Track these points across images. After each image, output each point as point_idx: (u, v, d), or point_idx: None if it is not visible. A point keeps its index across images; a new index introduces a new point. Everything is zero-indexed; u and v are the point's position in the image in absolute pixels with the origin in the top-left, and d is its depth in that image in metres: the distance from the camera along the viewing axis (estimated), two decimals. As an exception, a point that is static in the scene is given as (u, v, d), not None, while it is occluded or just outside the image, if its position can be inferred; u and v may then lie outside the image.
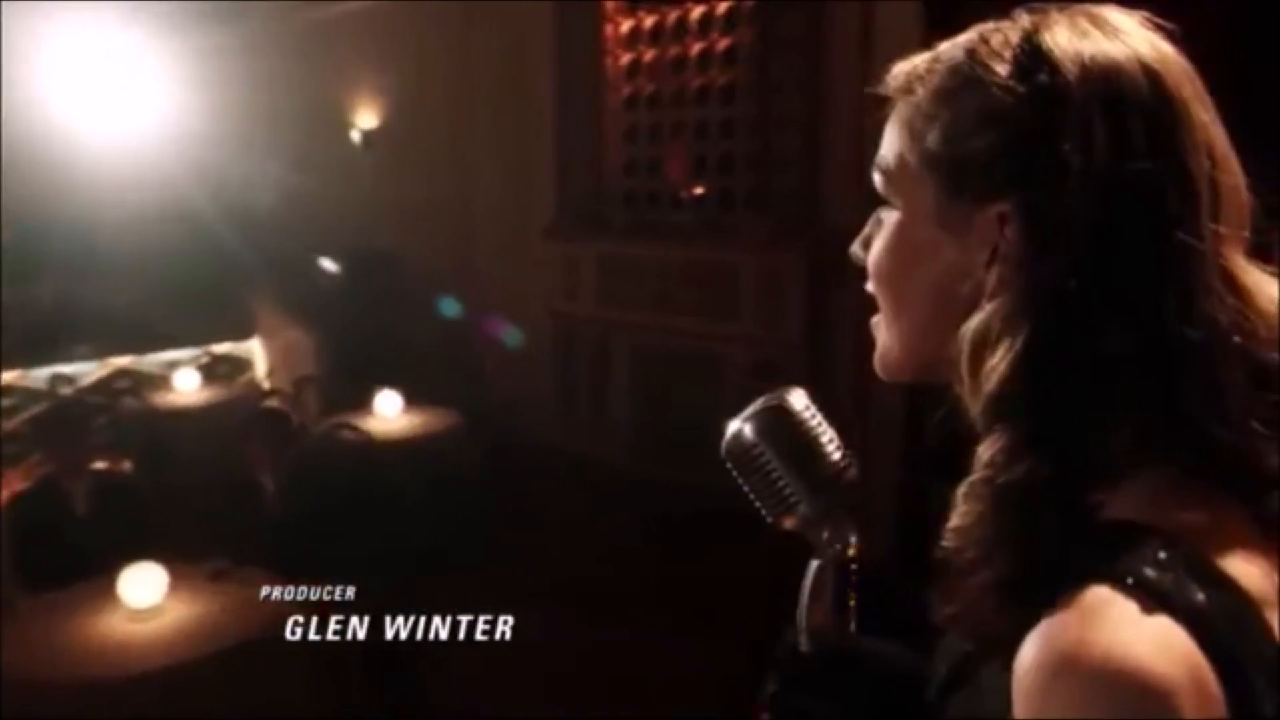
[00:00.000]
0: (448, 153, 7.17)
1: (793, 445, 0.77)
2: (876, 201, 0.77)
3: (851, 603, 0.79)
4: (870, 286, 0.77)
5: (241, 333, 6.84)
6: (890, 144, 0.73)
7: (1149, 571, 0.55)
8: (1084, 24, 0.66)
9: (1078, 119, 0.62)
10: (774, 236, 5.35)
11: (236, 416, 4.72)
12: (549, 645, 3.84)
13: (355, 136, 7.93)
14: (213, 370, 6.46)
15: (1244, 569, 0.58)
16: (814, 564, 0.78)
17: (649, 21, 6.15)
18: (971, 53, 0.68)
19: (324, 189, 7.75)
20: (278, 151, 7.59)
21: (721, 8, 5.73)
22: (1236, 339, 0.62)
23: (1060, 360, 0.61)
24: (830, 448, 0.78)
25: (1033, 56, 0.65)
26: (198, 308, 6.27)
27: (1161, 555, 0.56)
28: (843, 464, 0.78)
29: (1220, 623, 0.54)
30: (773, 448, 0.77)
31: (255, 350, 6.90)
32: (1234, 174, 0.66)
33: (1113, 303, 0.61)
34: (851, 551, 0.78)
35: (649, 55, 6.18)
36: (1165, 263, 0.62)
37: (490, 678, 3.71)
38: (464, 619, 3.90)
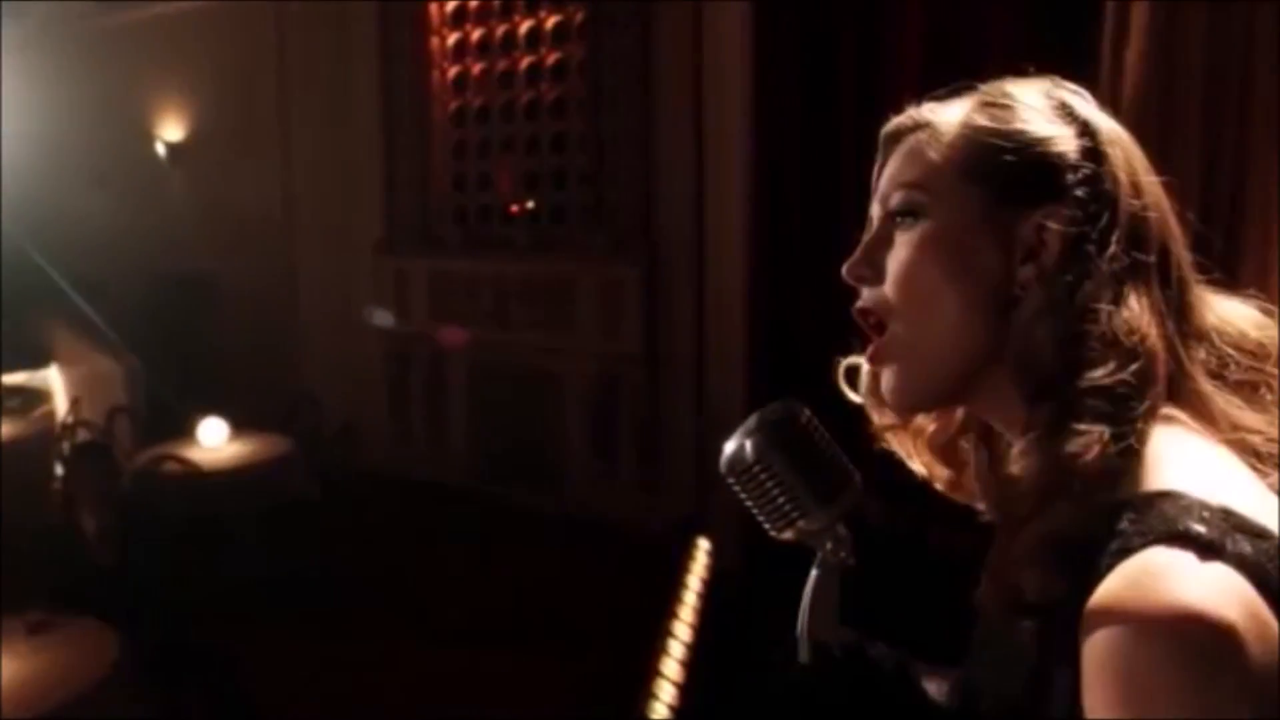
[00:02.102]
0: (264, 167, 6.86)
1: (794, 460, 0.78)
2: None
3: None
4: (892, 302, 0.79)
5: (36, 361, 6.30)
6: (916, 164, 0.80)
7: (1196, 528, 0.61)
8: (1084, 98, 0.80)
9: (1104, 147, 0.76)
10: (609, 249, 5.39)
11: (34, 451, 4.36)
12: (390, 673, 3.73)
13: (160, 149, 7.49)
14: (3, 404, 5.91)
15: (1270, 516, 0.64)
16: (814, 574, 0.79)
17: (476, 34, 6.08)
18: (1000, 89, 0.80)
19: (126, 205, 7.28)
20: (72, 165, 7.08)
21: (550, 22, 5.73)
22: (1229, 330, 0.76)
23: (1099, 335, 0.71)
24: (832, 461, 0.79)
25: (1064, 107, 0.78)
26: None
27: (1205, 514, 0.62)
28: (844, 476, 0.79)
29: (1267, 564, 0.60)
30: (776, 463, 0.78)
31: (53, 380, 6.37)
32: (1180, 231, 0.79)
33: (1135, 292, 0.72)
34: (852, 561, 0.79)
35: (477, 69, 6.12)
36: (1174, 264, 0.76)
37: (333, 711, 3.58)
38: (306, 652, 3.76)
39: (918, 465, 0.89)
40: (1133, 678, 0.58)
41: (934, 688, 0.87)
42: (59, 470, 4.69)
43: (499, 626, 4.16)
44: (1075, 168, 0.75)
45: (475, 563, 4.81)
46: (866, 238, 0.82)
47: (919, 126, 0.81)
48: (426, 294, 6.30)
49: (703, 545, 3.64)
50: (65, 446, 4.95)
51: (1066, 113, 0.77)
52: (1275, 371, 0.75)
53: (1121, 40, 3.36)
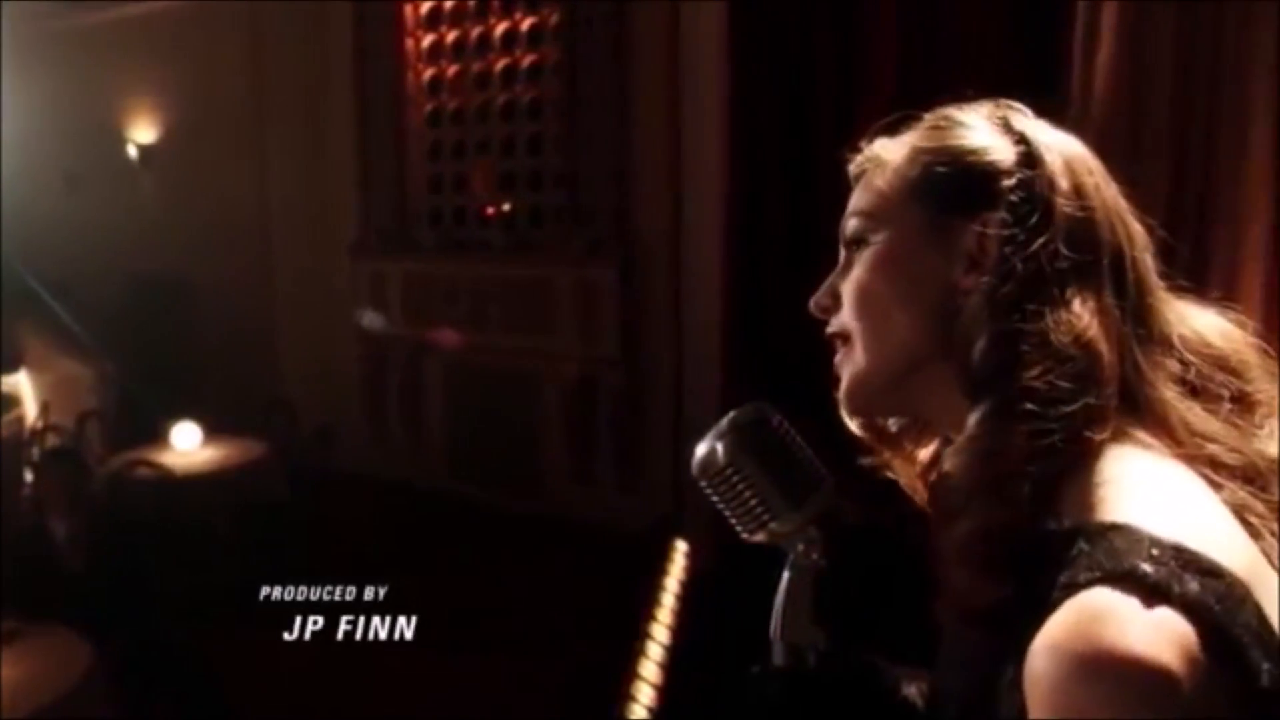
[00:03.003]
0: (239, 169, 6.80)
1: (766, 462, 0.78)
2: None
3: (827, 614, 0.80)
4: (848, 321, 0.82)
5: (4, 366, 6.21)
6: (867, 191, 0.83)
7: (1145, 568, 0.60)
8: (1029, 116, 0.81)
9: (1043, 155, 0.77)
10: (586, 251, 5.38)
11: (4, 459, 4.31)
12: (365, 675, 3.71)
13: (131, 151, 7.41)
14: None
15: (1226, 549, 0.64)
16: (786, 576, 0.79)
17: (451, 36, 6.05)
18: (945, 115, 0.82)
19: (97, 207, 7.20)
20: (42, 166, 6.99)
21: (526, 24, 5.72)
22: (1184, 332, 0.76)
23: (1039, 337, 0.71)
24: (804, 462, 0.80)
25: (1002, 115, 0.80)
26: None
27: (1154, 551, 0.61)
28: (816, 477, 0.80)
29: (1214, 607, 0.59)
30: (747, 465, 0.78)
31: (22, 384, 6.28)
32: (1143, 232, 0.79)
33: (1081, 297, 0.72)
34: (825, 563, 0.79)
35: (452, 71, 6.09)
36: (1125, 270, 0.75)
37: (307, 714, 3.56)
38: (279, 656, 3.73)
39: (903, 482, 0.90)
40: (1067, 712, 0.58)
41: (914, 689, 0.87)
42: (28, 476, 4.63)
43: (475, 628, 4.15)
44: (1009, 174, 0.76)
45: (452, 565, 4.79)
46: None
47: (869, 160, 0.84)
48: (402, 296, 6.27)
49: (680, 546, 3.64)
50: (35, 452, 4.90)
51: (1003, 126, 0.79)
52: (1239, 383, 0.75)
53: (1092, 42, 3.39)
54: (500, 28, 5.82)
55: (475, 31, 5.93)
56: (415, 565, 4.77)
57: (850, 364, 0.82)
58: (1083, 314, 0.71)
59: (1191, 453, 0.71)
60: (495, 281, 5.84)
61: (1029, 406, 0.69)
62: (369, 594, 4.39)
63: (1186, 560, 0.61)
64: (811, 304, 0.85)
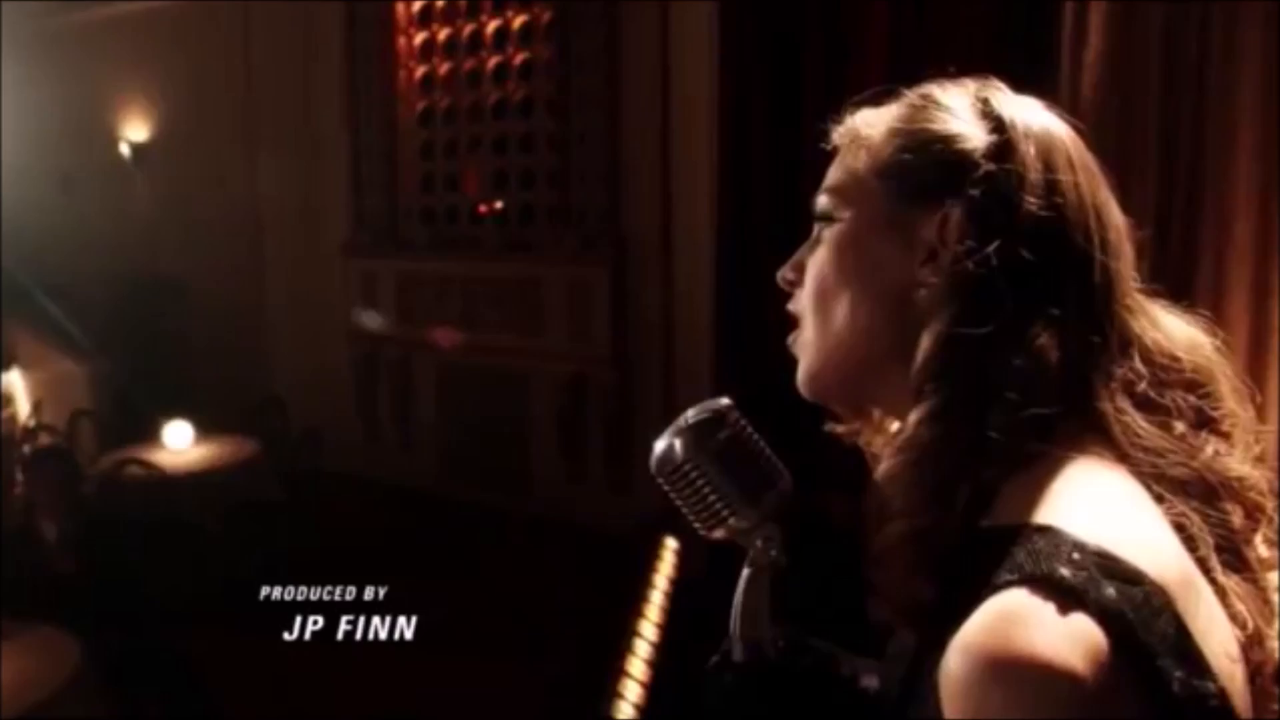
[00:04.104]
0: (230, 168, 6.79)
1: (724, 458, 0.78)
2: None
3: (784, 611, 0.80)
4: (804, 300, 0.81)
5: (-3, 365, 6.21)
6: (839, 168, 0.81)
7: (1064, 572, 0.60)
8: (1015, 97, 0.78)
9: (1017, 145, 0.73)
10: (577, 250, 5.38)
11: None
12: (355, 676, 3.71)
13: (124, 149, 7.40)
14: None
15: (1152, 556, 0.64)
16: (746, 573, 0.79)
17: (443, 34, 6.05)
18: (925, 94, 0.79)
19: (90, 206, 7.19)
20: (33, 164, 6.98)
21: (518, 22, 5.72)
22: (1146, 340, 0.74)
23: (987, 339, 0.69)
24: (762, 458, 0.79)
25: (982, 99, 0.77)
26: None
27: (1075, 556, 0.61)
28: (774, 474, 0.80)
29: (1130, 614, 0.59)
30: (705, 462, 0.77)
31: (14, 383, 6.27)
32: (1123, 232, 0.77)
33: (1035, 299, 0.70)
34: (784, 560, 0.79)
35: (444, 69, 6.09)
36: (1085, 271, 0.73)
37: (302, 713, 3.55)
38: (269, 655, 3.73)
39: (874, 449, 0.88)
40: (977, 712, 0.58)
41: (874, 681, 0.87)
42: (20, 475, 4.63)
43: (466, 628, 4.14)
44: (978, 166, 0.72)
45: (442, 564, 4.79)
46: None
47: (848, 134, 0.81)
48: (394, 295, 6.27)
49: (670, 545, 3.65)
50: (26, 450, 4.89)
51: (984, 110, 0.75)
52: (1198, 397, 0.73)
53: (1080, 40, 3.39)
54: (492, 25, 5.82)
55: (467, 29, 5.93)
56: (406, 565, 4.77)
57: (801, 349, 0.81)
58: (1034, 320, 0.69)
59: (1137, 464, 0.70)
60: (487, 280, 5.84)
61: (970, 411, 0.68)
62: (359, 594, 4.39)
63: (1107, 566, 0.61)
64: (779, 277, 0.83)
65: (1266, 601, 0.71)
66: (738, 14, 4.30)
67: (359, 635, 4.00)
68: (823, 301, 0.79)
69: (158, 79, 7.19)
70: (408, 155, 6.28)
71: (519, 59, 5.75)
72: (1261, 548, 0.73)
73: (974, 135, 0.74)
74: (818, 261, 0.80)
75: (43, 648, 2.87)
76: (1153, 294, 0.78)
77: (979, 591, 0.61)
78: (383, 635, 4.02)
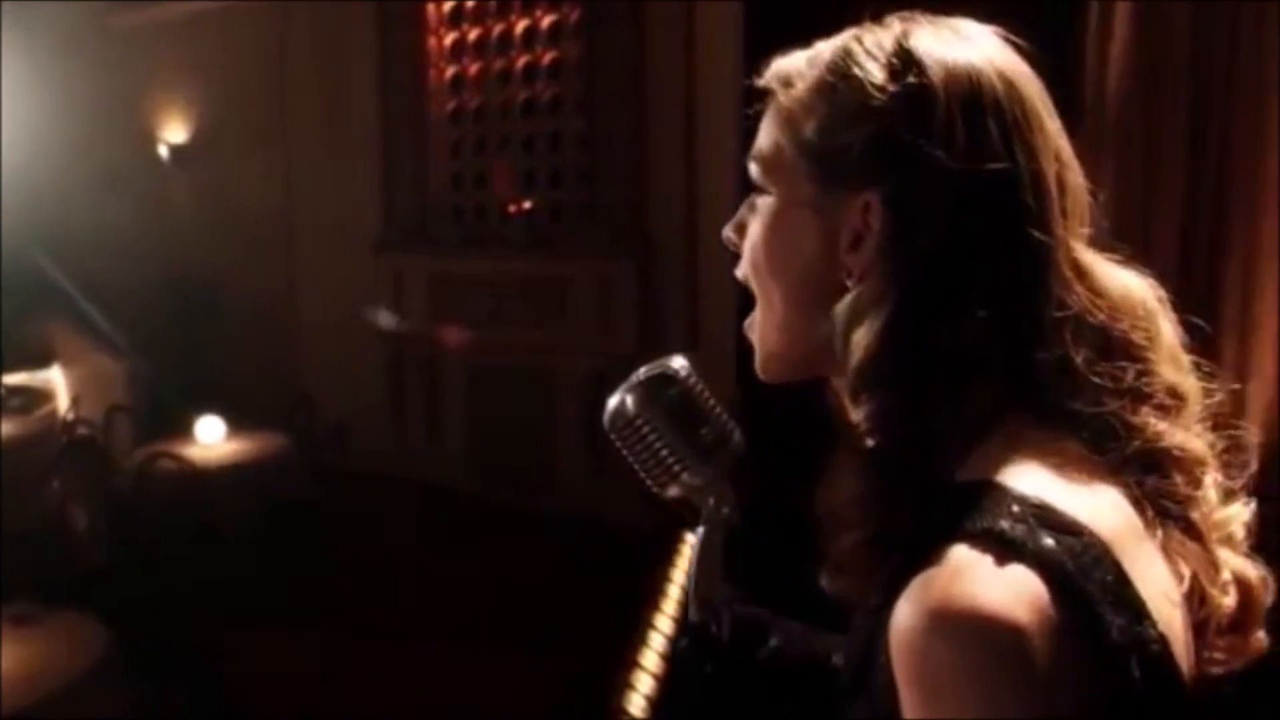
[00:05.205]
0: (264, 168, 6.89)
1: (676, 413, 0.78)
2: (735, 198, 0.79)
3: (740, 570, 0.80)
4: (742, 272, 0.79)
5: (38, 362, 6.34)
6: (768, 133, 0.77)
7: (1003, 525, 0.61)
8: (948, 33, 0.72)
9: (941, 119, 0.68)
10: (604, 247, 5.40)
11: (35, 450, 4.41)
12: (383, 671, 3.74)
13: (163, 151, 7.53)
14: (5, 403, 5.96)
15: (1092, 509, 0.64)
16: (700, 530, 0.79)
17: (473, 34, 6.09)
18: (847, 51, 0.73)
19: (129, 206, 7.33)
20: (76, 166, 7.13)
21: (546, 21, 5.75)
22: (1087, 317, 0.70)
23: (919, 335, 0.67)
24: (714, 414, 0.79)
25: (903, 58, 0.70)
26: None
27: (1015, 509, 0.62)
28: (727, 430, 0.80)
29: (1068, 563, 0.60)
30: (657, 417, 0.78)
31: (55, 380, 6.41)
32: (1078, 174, 0.73)
33: (967, 286, 0.67)
34: (736, 517, 0.79)
35: (474, 68, 6.13)
36: (1017, 251, 0.69)
37: (326, 707, 3.59)
38: (295, 649, 3.77)
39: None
40: (924, 673, 0.59)
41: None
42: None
43: (493, 625, 4.17)
44: (899, 142, 0.68)
45: (470, 561, 4.82)
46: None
47: (774, 80, 0.77)
48: (425, 293, 6.32)
49: (689, 539, 3.63)
50: (63, 444, 5.00)
51: (911, 69, 0.69)
52: (1139, 365, 0.71)
53: (1106, 36, 3.35)
54: (521, 25, 5.85)
55: (497, 29, 5.96)
56: (432, 561, 4.82)
57: (753, 333, 0.79)
58: (968, 301, 0.66)
59: (1078, 435, 0.69)
60: (515, 277, 5.87)
61: (910, 411, 0.67)
62: (385, 589, 4.44)
63: (1045, 517, 0.61)
64: (724, 236, 0.81)
65: (1211, 564, 0.71)
66: (763, 9, 4.29)
67: (384, 630, 4.05)
68: (759, 281, 0.77)
69: (196, 82, 7.30)
70: (438, 154, 6.33)
71: (547, 58, 5.77)
72: (1217, 510, 0.73)
73: (895, 107, 0.69)
74: (751, 235, 0.77)
75: (70, 634, 2.94)
76: (1104, 249, 0.74)
77: (926, 552, 0.61)
78: (407, 631, 4.07)
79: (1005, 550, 0.59)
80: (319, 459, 5.10)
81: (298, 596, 4.20)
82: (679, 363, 0.80)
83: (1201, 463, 0.72)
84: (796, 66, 0.76)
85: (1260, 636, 0.75)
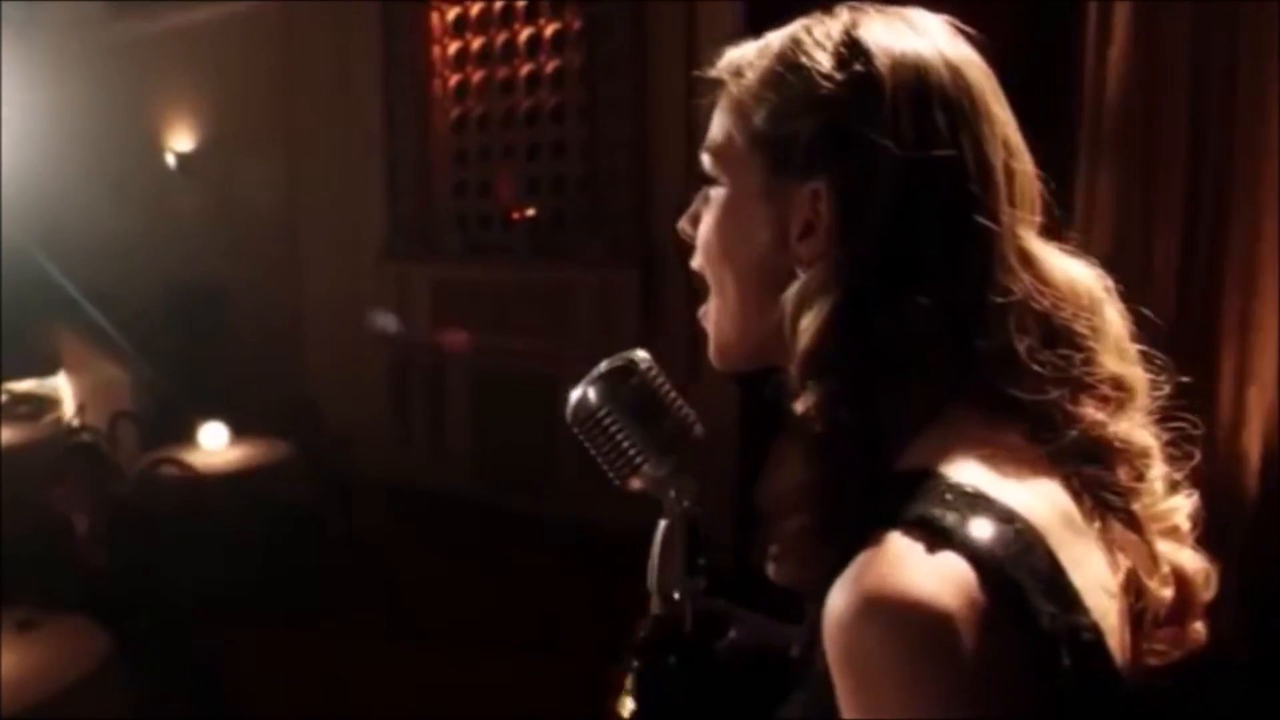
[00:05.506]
0: (271, 176, 6.92)
1: (638, 405, 0.79)
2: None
3: (702, 562, 0.80)
4: (696, 263, 0.80)
5: (45, 369, 6.38)
6: (720, 124, 0.78)
7: (935, 512, 0.61)
8: (897, 23, 0.73)
9: (887, 108, 0.69)
10: (607, 255, 5.41)
11: (41, 456, 4.43)
12: (387, 677, 3.74)
13: (169, 160, 7.57)
14: (12, 410, 5.99)
15: (1028, 498, 0.64)
16: (662, 524, 0.80)
17: (477, 43, 6.12)
18: (796, 41, 0.74)
19: (136, 215, 7.37)
20: (83, 175, 7.18)
21: (549, 30, 5.78)
22: (1032, 305, 0.70)
23: (865, 322, 0.68)
24: (675, 407, 0.80)
25: (850, 48, 0.71)
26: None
27: (947, 496, 0.62)
28: (688, 422, 0.80)
29: (999, 551, 0.60)
30: (618, 409, 0.79)
31: (61, 387, 6.44)
32: (1027, 163, 0.74)
33: (913, 274, 0.68)
34: (698, 510, 0.79)
35: (477, 77, 6.16)
36: (963, 238, 0.69)
37: (329, 712, 3.59)
38: (301, 657, 3.78)
39: None
40: (853, 658, 0.59)
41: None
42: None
43: (497, 630, 4.17)
44: (848, 133, 0.69)
45: (473, 567, 4.83)
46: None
47: (728, 76, 0.78)
48: (429, 300, 6.34)
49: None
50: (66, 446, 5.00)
51: (858, 58, 0.70)
52: (1083, 354, 0.71)
53: (1104, 39, 3.35)
54: (524, 34, 5.88)
55: (500, 38, 5.99)
56: (436, 567, 4.82)
57: (707, 323, 0.81)
58: (915, 290, 0.67)
59: (1019, 427, 0.69)
60: (518, 285, 5.89)
61: (854, 399, 0.67)
62: (388, 595, 4.45)
63: (979, 505, 0.62)
64: (679, 228, 0.82)
65: (1150, 556, 0.71)
66: (765, 17, 4.30)
67: (388, 636, 4.05)
68: (712, 271, 0.78)
69: (203, 91, 7.36)
70: (442, 162, 6.36)
71: (550, 66, 5.80)
72: (1161, 502, 0.73)
73: (842, 96, 0.70)
74: (704, 225, 0.78)
75: (71, 637, 2.95)
76: (1053, 236, 0.75)
77: (864, 540, 0.62)
78: (411, 637, 4.07)
79: (936, 537, 0.59)
80: (323, 465, 5.11)
81: (299, 602, 4.21)
82: (640, 355, 0.81)
83: (1145, 455, 0.72)
84: (747, 57, 0.77)
85: (1198, 629, 0.75)
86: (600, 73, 5.38)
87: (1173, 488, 0.75)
